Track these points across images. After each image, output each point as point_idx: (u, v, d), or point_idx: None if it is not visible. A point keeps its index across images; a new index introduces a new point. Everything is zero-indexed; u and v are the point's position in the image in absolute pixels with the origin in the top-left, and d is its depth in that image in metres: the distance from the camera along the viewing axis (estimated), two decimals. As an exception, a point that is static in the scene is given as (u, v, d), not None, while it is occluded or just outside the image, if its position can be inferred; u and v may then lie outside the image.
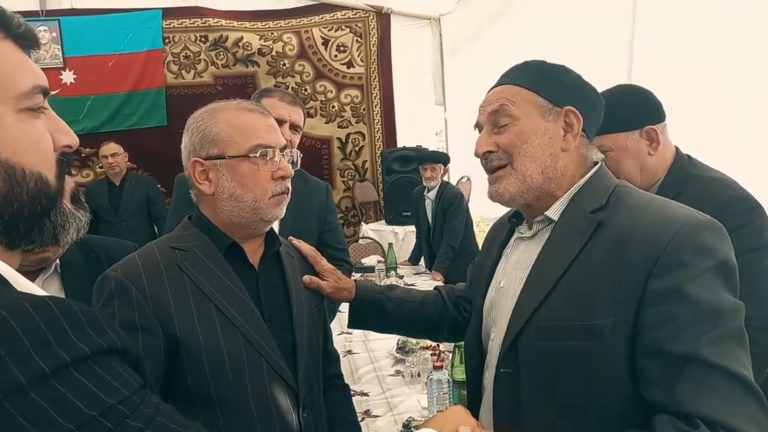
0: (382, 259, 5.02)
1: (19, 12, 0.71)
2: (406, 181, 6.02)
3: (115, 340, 0.63)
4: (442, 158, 4.98)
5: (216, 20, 6.07)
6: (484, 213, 5.85)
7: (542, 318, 1.08)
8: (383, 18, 6.45)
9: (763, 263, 1.49)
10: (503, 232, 1.36)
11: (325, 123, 6.54)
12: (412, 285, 4.21)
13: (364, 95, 6.58)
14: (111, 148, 5.15)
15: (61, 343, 0.57)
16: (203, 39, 6.10)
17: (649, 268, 0.97)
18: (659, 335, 0.96)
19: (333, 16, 6.40)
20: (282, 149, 1.27)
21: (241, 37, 6.14)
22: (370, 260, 5.17)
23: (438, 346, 2.69)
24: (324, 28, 6.40)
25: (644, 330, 0.98)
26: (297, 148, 1.94)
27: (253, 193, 1.22)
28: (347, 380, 1.65)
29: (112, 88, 5.89)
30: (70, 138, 0.73)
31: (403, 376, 2.55)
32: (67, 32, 5.71)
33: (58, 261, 1.77)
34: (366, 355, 2.88)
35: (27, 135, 0.67)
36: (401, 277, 4.57)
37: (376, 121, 6.65)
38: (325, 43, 6.42)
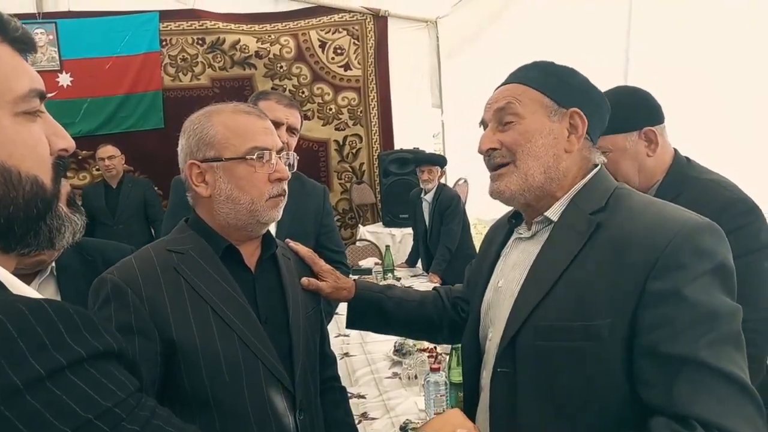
0: (380, 262, 5.02)
1: (15, 14, 0.71)
2: (403, 183, 6.03)
3: (111, 343, 0.63)
4: (439, 160, 4.98)
5: (213, 23, 6.08)
6: (481, 215, 5.86)
7: (540, 318, 1.08)
8: (380, 21, 6.46)
9: (761, 265, 1.49)
10: (501, 234, 1.36)
11: (323, 125, 6.54)
12: (410, 287, 4.21)
13: (362, 98, 6.59)
14: (108, 150, 5.14)
15: (56, 345, 0.57)
16: (200, 41, 6.11)
17: (648, 269, 0.98)
18: (657, 337, 0.96)
19: (330, 18, 6.41)
20: (279, 152, 1.27)
21: (239, 40, 6.14)
22: (367, 262, 5.17)
23: (435, 348, 2.69)
24: (321, 30, 6.40)
25: (642, 331, 0.98)
26: (294, 151, 1.94)
27: (249, 195, 1.22)
28: (344, 382, 1.65)
29: (109, 90, 5.88)
30: (66, 142, 0.73)
31: (400, 378, 2.55)
32: (63, 35, 5.70)
33: (53, 264, 1.76)
34: (363, 358, 2.87)
35: (23, 138, 0.67)
36: (398, 279, 4.58)
37: (373, 124, 6.66)
38: (323, 45, 6.43)
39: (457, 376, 2.04)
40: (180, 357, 1.14)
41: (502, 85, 1.25)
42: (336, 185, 6.67)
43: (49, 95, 0.81)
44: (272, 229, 1.55)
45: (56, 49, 5.70)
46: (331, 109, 6.54)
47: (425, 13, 6.44)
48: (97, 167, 5.52)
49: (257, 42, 6.21)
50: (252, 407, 1.18)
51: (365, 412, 2.23)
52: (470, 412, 1.26)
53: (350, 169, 6.71)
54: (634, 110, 1.67)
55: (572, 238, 1.10)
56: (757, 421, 0.92)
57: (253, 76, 6.27)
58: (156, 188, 5.44)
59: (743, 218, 1.51)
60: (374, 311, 1.54)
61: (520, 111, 1.17)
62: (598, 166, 1.21)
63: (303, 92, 6.42)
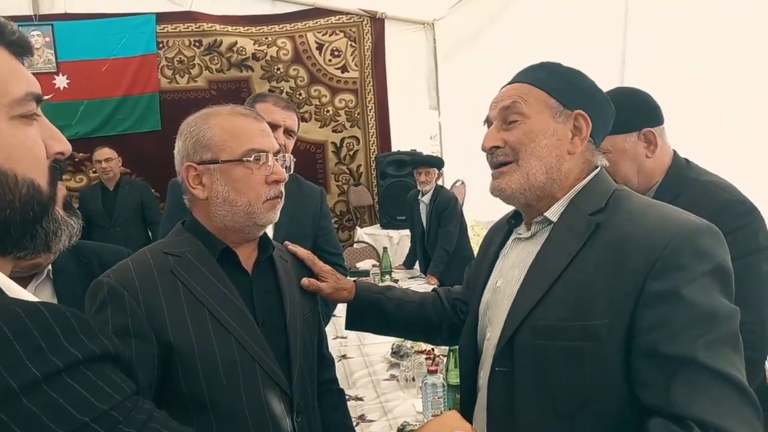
0: (377, 263, 5.03)
1: (11, 17, 0.71)
2: (400, 185, 6.02)
3: (107, 346, 0.63)
4: (437, 162, 4.99)
5: (210, 25, 6.07)
6: (479, 217, 5.87)
7: (538, 317, 1.09)
8: (377, 23, 6.46)
9: (760, 267, 1.49)
10: (500, 235, 1.37)
11: (320, 127, 6.54)
12: (408, 289, 4.21)
13: (359, 100, 6.58)
14: (104, 152, 5.12)
15: (53, 348, 0.57)
16: (197, 44, 6.10)
17: (647, 270, 0.98)
18: (655, 337, 0.96)
19: (327, 20, 6.40)
20: (276, 154, 1.27)
21: (236, 42, 6.14)
22: (365, 264, 5.18)
23: (433, 350, 2.69)
24: (318, 32, 6.40)
25: (640, 332, 0.98)
26: (291, 153, 1.94)
27: (246, 198, 1.22)
28: (342, 385, 1.65)
29: (106, 92, 5.87)
30: (62, 145, 0.73)
31: (397, 380, 2.55)
32: (60, 37, 5.69)
33: (50, 267, 1.76)
34: (361, 360, 2.87)
35: (20, 141, 0.67)
36: (396, 281, 4.58)
37: (370, 126, 6.66)
38: (320, 47, 6.42)
39: (455, 378, 2.05)
40: (177, 360, 1.13)
41: (508, 84, 1.25)
42: (333, 187, 6.67)
43: (46, 97, 0.81)
44: (270, 231, 1.55)
45: (53, 52, 5.69)
46: (328, 111, 6.53)
47: (422, 15, 6.44)
48: (93, 170, 5.51)
49: (254, 44, 6.20)
50: (249, 410, 1.18)
51: (363, 415, 2.23)
52: (468, 412, 1.27)
53: (347, 171, 6.71)
54: (634, 111, 1.67)
55: (571, 239, 1.11)
56: (753, 422, 0.92)
57: (250, 78, 6.26)
58: (153, 190, 5.42)
59: (742, 220, 1.51)
60: (374, 312, 1.53)
61: (526, 110, 1.17)
62: (598, 168, 1.22)
63: (300, 94, 6.42)
